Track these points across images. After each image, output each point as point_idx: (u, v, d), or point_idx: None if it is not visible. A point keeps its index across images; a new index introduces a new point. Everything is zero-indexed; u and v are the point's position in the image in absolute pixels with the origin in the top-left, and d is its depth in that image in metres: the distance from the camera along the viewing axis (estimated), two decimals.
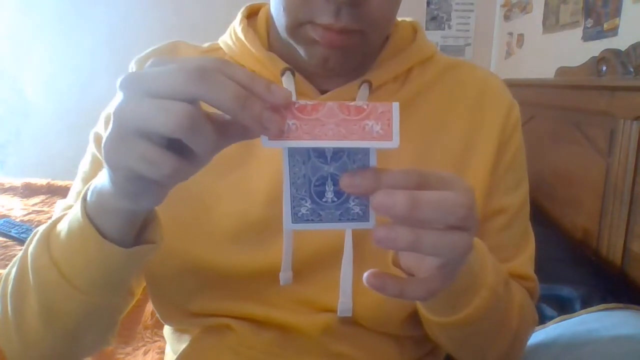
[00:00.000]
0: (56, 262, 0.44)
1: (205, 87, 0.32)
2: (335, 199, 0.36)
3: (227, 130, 0.36)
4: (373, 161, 0.35)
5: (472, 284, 0.47)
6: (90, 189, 0.42)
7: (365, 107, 0.34)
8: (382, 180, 0.34)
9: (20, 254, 0.49)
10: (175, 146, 0.33)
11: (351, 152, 0.35)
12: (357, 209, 0.36)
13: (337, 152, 0.35)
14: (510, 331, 0.56)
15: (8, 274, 0.50)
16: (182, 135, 0.32)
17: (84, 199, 0.43)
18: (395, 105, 0.35)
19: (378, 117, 0.34)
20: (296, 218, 0.37)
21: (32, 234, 0.49)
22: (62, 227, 0.45)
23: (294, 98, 0.56)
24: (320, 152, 0.35)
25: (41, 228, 0.48)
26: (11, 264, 0.51)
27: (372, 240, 0.34)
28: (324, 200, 0.36)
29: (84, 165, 0.62)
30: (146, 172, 0.33)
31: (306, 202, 0.36)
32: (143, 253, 0.44)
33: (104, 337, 0.53)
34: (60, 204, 0.60)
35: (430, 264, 0.36)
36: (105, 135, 0.35)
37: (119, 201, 0.38)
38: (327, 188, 0.36)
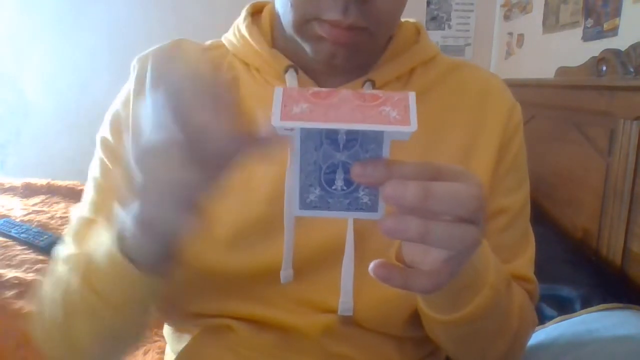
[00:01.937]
0: (102, 298, 0.47)
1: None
2: (345, 188, 0.35)
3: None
4: (386, 151, 0.34)
5: (474, 282, 0.47)
6: (121, 230, 0.44)
7: (381, 95, 0.34)
8: (393, 171, 0.33)
9: (56, 277, 0.53)
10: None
11: (364, 141, 0.34)
12: (366, 199, 0.36)
13: (350, 140, 0.34)
14: (510, 331, 0.56)
15: (52, 299, 0.53)
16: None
17: (116, 237, 0.44)
18: (412, 94, 0.34)
19: (395, 104, 0.33)
20: (304, 204, 0.36)
21: (62, 257, 0.53)
22: (100, 258, 0.46)
23: None
24: (332, 140, 0.34)
25: (80, 260, 0.50)
26: (49, 284, 0.54)
27: (379, 229, 0.33)
28: (333, 188, 0.36)
29: (94, 171, 0.61)
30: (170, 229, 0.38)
31: (315, 189, 0.36)
32: (176, 268, 0.47)
33: (134, 343, 0.58)
34: (75, 213, 0.61)
35: (437, 257, 0.36)
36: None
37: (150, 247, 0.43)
38: (337, 176, 0.35)
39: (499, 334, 0.55)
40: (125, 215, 0.42)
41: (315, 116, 0.32)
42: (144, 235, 0.41)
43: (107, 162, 0.60)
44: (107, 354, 0.54)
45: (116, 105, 0.61)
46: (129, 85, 0.61)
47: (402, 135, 0.33)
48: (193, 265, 0.55)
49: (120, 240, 0.43)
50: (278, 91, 0.34)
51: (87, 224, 0.58)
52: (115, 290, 0.46)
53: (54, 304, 0.52)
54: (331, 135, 0.34)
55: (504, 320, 0.54)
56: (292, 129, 0.34)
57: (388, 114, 0.32)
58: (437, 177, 0.34)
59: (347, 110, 0.33)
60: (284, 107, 0.33)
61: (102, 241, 0.47)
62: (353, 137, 0.34)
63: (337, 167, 0.35)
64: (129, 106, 0.59)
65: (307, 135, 0.34)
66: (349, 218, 0.37)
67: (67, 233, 0.60)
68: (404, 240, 0.36)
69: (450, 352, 0.60)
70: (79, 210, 0.61)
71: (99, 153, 0.61)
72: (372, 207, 0.36)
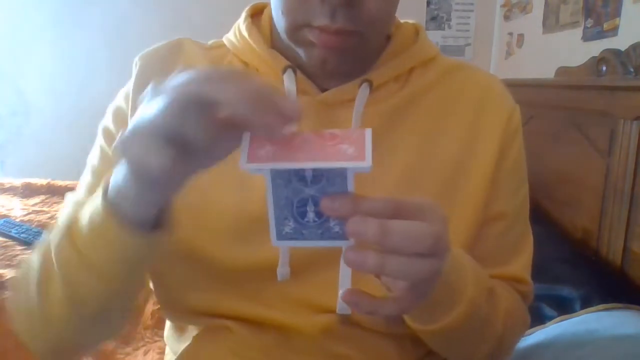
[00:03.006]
0: (81, 254, 0.45)
1: (217, 89, 0.34)
2: (317, 219, 0.38)
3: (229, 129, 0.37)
4: (351, 185, 0.36)
5: (449, 298, 0.49)
6: (112, 175, 0.43)
7: (339, 133, 0.36)
8: (359, 206, 0.36)
9: (42, 244, 0.51)
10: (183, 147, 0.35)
11: (330, 176, 0.36)
12: (337, 229, 0.38)
13: (317, 176, 0.36)
14: (493, 336, 0.57)
15: (30, 264, 0.52)
16: (180, 125, 0.34)
17: (105, 186, 0.43)
18: (368, 131, 0.36)
19: (352, 141, 0.36)
20: (281, 236, 0.39)
21: (55, 226, 0.50)
22: (84, 218, 0.45)
23: (295, 96, 0.57)
24: (300, 176, 0.37)
25: (62, 221, 0.48)
26: (33, 254, 0.52)
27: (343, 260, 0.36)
28: (305, 220, 0.38)
29: (93, 158, 0.62)
30: (141, 167, 0.36)
31: (289, 221, 0.38)
32: (161, 237, 0.45)
33: (119, 322, 0.55)
34: (70, 197, 0.61)
35: (401, 285, 0.39)
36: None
37: (134, 190, 0.40)
38: (308, 209, 0.38)
39: (481, 340, 0.57)
40: (117, 169, 0.42)
41: (279, 157, 0.35)
42: (132, 179, 0.39)
43: (108, 150, 0.60)
44: (83, 332, 0.51)
45: (119, 99, 0.62)
46: (131, 82, 0.61)
47: (362, 170, 0.36)
48: (192, 253, 0.56)
49: (108, 195, 0.43)
50: (246, 135, 0.37)
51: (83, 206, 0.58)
52: (97, 248, 0.44)
53: (33, 267, 0.50)
54: (299, 173, 0.37)
55: (485, 328, 0.56)
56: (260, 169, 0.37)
57: (346, 151, 0.35)
58: (399, 213, 0.36)
59: (308, 149, 0.36)
60: (251, 150, 0.36)
61: (89, 204, 0.46)
62: (319, 173, 0.36)
63: (307, 201, 0.37)
64: (129, 102, 0.60)
65: (276, 174, 0.37)
66: (325, 246, 0.39)
67: (61, 215, 0.58)
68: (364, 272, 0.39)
69: (438, 352, 0.61)
70: (75, 195, 0.61)
71: (100, 141, 0.62)
72: (343, 236, 0.38)
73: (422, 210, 0.37)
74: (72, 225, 0.47)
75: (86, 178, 0.62)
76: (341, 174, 0.36)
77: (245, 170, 0.36)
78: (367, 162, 0.35)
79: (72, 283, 0.47)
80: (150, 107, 0.35)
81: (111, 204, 0.42)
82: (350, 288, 0.40)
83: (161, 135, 0.35)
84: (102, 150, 0.61)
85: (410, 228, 0.36)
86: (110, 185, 0.43)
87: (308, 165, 0.35)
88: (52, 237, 0.48)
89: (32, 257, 0.52)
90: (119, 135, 0.36)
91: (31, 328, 0.52)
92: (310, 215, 0.38)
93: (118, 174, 0.41)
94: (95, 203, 0.44)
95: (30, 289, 0.50)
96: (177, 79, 0.36)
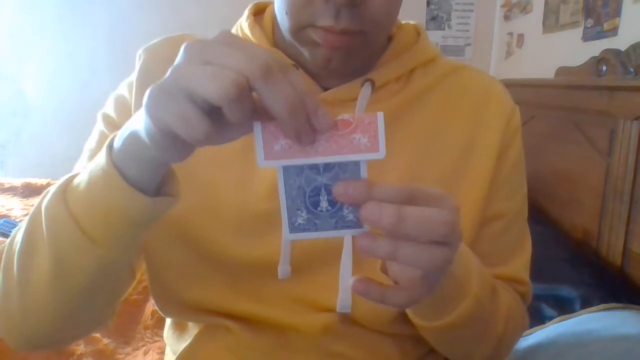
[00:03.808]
0: (74, 214, 0.43)
1: (265, 84, 0.33)
2: (330, 208, 0.38)
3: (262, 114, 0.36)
4: (364, 172, 0.36)
5: (455, 294, 0.49)
6: (118, 136, 0.42)
7: (352, 120, 0.36)
8: (373, 192, 0.35)
9: (30, 213, 0.48)
10: (213, 113, 0.34)
11: (342, 164, 0.36)
12: (351, 216, 0.38)
13: (329, 164, 0.36)
14: (495, 336, 0.57)
15: (13, 238, 0.50)
16: (225, 104, 0.33)
17: (110, 147, 0.42)
18: (380, 115, 0.36)
19: (365, 129, 0.36)
20: (293, 228, 0.38)
21: (43, 194, 0.47)
22: (81, 179, 0.44)
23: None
24: (313, 164, 0.37)
25: (54, 186, 0.46)
26: (16, 228, 0.51)
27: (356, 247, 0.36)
28: (319, 209, 0.38)
29: (90, 144, 0.61)
30: (179, 131, 0.34)
31: (302, 212, 0.38)
32: (164, 205, 0.43)
33: (104, 312, 0.54)
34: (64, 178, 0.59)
35: (411, 274, 0.39)
36: (154, 84, 0.35)
37: (149, 150, 0.38)
38: (321, 198, 0.37)
39: (483, 339, 0.57)
40: (130, 130, 0.40)
41: (294, 152, 0.36)
42: (157, 138, 0.36)
43: (107, 133, 0.60)
44: (64, 316, 0.48)
45: (121, 88, 0.62)
46: (134, 74, 0.61)
47: (377, 158, 0.36)
48: (193, 247, 0.56)
49: (112, 155, 0.42)
50: (257, 127, 0.36)
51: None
52: (93, 206, 0.42)
53: (15, 242, 0.48)
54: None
55: (488, 326, 0.56)
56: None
57: (359, 142, 0.35)
58: (413, 200, 0.36)
59: (322, 142, 0.36)
60: (266, 146, 0.36)
61: (86, 168, 0.44)
62: (332, 161, 0.37)
63: (320, 189, 0.37)
64: (132, 93, 0.60)
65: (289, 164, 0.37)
66: (338, 236, 0.39)
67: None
68: (376, 258, 0.38)
69: (439, 350, 0.61)
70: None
71: (99, 126, 0.62)
72: (357, 224, 0.38)
73: (435, 198, 0.37)
74: (67, 187, 0.45)
75: (82, 163, 0.60)
76: (354, 161, 0.36)
77: (262, 167, 0.36)
78: (381, 153, 0.35)
79: (61, 249, 0.44)
80: (193, 71, 0.33)
81: (116, 162, 0.41)
82: (360, 276, 0.39)
83: (201, 104, 0.33)
84: (101, 135, 0.61)
85: (426, 215, 0.35)
86: (115, 146, 0.42)
87: (324, 160, 0.35)
88: (43, 202, 0.46)
89: (14, 235, 0.50)
90: (148, 91, 0.35)
91: (7, 315, 0.50)
92: (323, 204, 0.37)
93: (133, 134, 0.40)
94: (96, 162, 0.43)
95: (10, 267, 0.48)
96: (225, 47, 0.34)
